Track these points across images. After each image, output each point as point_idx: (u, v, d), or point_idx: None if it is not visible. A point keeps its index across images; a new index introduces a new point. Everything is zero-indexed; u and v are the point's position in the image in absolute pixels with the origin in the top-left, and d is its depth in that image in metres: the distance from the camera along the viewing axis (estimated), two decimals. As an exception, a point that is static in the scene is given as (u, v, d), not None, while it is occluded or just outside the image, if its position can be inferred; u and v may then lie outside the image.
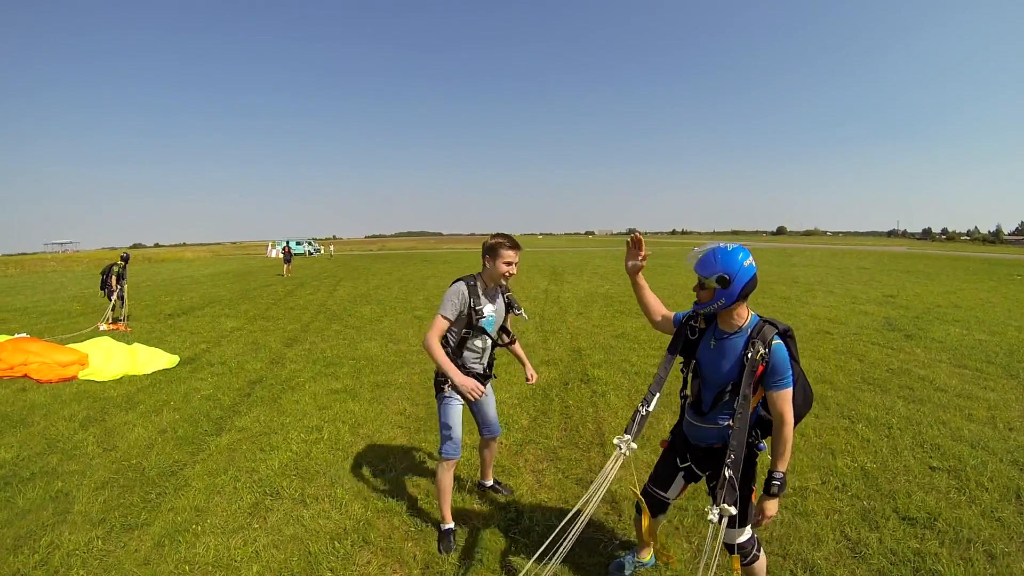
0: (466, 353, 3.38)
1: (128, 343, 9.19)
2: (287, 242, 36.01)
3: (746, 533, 2.57)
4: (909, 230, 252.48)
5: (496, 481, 4.20)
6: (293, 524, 3.69)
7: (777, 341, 2.35)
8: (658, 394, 2.57)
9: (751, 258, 2.39)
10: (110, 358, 8.04)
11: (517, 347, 3.85)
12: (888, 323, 10.97)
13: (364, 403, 6.22)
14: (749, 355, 2.34)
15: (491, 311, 3.37)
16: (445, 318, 3.22)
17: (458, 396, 3.41)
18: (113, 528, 3.71)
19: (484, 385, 3.42)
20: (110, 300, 12.54)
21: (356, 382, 7.10)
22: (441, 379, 3.37)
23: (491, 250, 3.32)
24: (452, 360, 3.26)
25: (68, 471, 4.64)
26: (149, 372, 7.82)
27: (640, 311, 13.04)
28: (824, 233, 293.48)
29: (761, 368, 2.35)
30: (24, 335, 9.88)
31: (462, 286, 3.27)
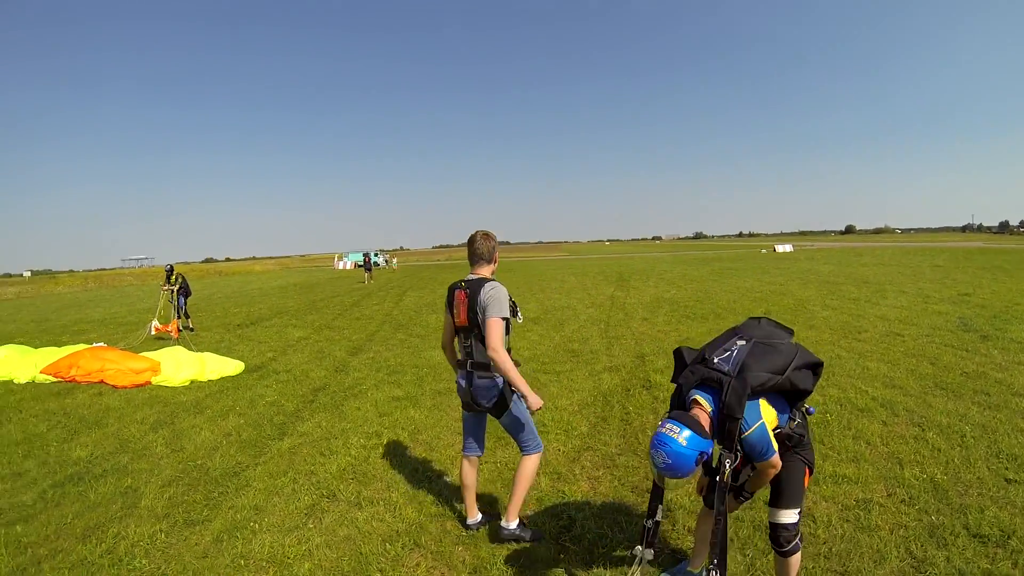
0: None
1: (190, 350, 9.80)
2: (366, 253, 39.47)
3: (793, 515, 2.65)
4: (985, 224, 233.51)
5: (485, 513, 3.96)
6: (347, 525, 3.82)
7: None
8: (661, 505, 2.78)
9: (683, 430, 2.25)
10: (180, 366, 8.60)
11: None
12: (963, 323, 10.52)
13: (424, 410, 6.37)
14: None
15: None
16: (504, 319, 3.33)
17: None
18: (176, 523, 3.97)
19: None
20: (173, 307, 14.10)
21: (418, 389, 7.29)
22: (509, 387, 3.43)
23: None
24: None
25: (137, 469, 5.03)
26: (216, 378, 8.34)
27: (706, 315, 12.84)
28: (895, 231, 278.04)
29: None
30: (101, 344, 10.73)
31: (502, 286, 3.41)
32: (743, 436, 2.38)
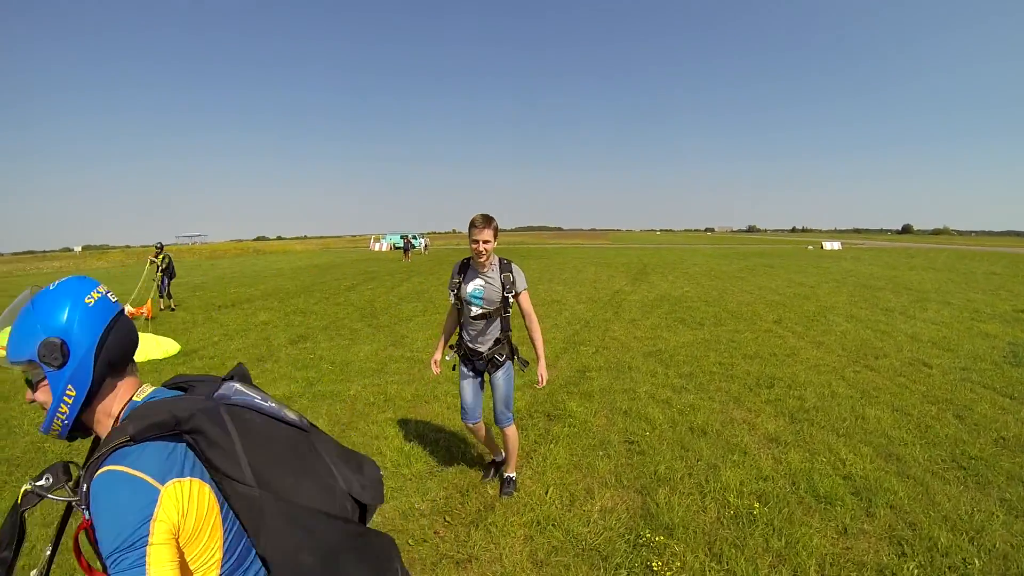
0: (465, 330, 3.96)
1: (145, 329, 10.35)
2: (404, 235, 42.85)
3: None
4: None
5: (508, 478, 4.31)
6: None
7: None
8: None
9: (94, 291, 1.29)
10: (113, 345, 9.11)
11: (535, 335, 3.97)
12: (1013, 353, 8.34)
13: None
14: None
15: (476, 285, 3.78)
16: (449, 290, 3.95)
17: (465, 369, 4.02)
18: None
19: (473, 363, 3.97)
20: (156, 285, 14.83)
21: (305, 389, 7.13)
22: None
23: (468, 231, 3.83)
24: (459, 334, 4.04)
25: (-6, 446, 5.37)
26: (142, 361, 8.77)
27: (703, 321, 11.56)
28: (954, 232, 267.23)
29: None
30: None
31: (457, 263, 3.92)
32: None
